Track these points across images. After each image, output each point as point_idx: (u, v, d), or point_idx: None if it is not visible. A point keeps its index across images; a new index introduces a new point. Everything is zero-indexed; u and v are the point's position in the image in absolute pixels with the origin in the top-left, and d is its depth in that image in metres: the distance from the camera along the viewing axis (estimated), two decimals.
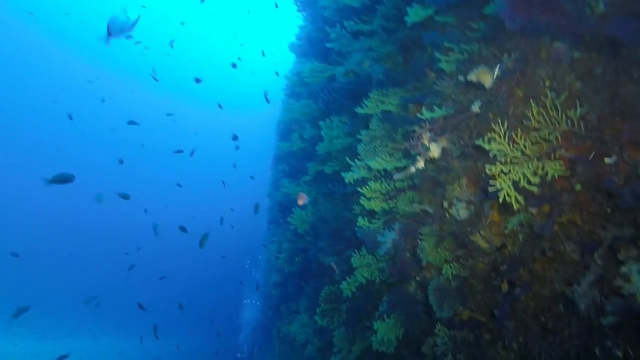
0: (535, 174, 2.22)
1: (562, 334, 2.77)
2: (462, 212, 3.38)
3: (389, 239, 3.55)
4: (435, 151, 2.91)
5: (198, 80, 11.70)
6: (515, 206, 2.25)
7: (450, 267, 3.38)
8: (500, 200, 2.26)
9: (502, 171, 2.27)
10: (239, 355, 14.37)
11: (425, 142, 2.92)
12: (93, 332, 18.88)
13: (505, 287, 2.97)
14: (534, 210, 2.62)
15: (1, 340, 14.54)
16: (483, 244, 3.11)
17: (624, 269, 2.26)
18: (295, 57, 9.33)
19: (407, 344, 4.49)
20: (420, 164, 2.90)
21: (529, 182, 2.21)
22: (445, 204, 3.46)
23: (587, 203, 2.34)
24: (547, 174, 2.23)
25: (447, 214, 3.51)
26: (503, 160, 2.29)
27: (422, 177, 3.76)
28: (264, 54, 12.91)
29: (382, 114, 4.02)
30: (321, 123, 5.23)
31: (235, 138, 12.12)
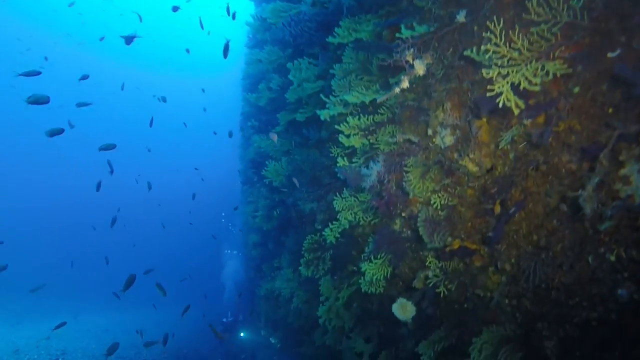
0: (534, 75, 1.99)
1: (554, 249, 2.68)
2: (446, 138, 3.17)
3: (374, 171, 3.31)
4: (419, 68, 2.61)
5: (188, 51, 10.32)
6: (515, 111, 2.02)
7: (438, 196, 3.20)
8: (500, 105, 2.03)
9: (499, 74, 2.02)
10: (224, 320, 14.33)
11: (409, 59, 2.61)
12: (73, 313, 18.30)
13: (497, 208, 2.82)
14: (527, 122, 2.42)
15: None
16: (472, 168, 2.92)
17: (622, 171, 2.12)
18: (254, 5, 8.61)
19: (394, 283, 4.41)
20: (405, 84, 2.61)
21: (530, 83, 1.97)
22: (430, 132, 3.23)
23: (586, 105, 2.14)
24: (547, 74, 2.00)
25: (431, 143, 3.30)
26: (499, 63, 2.03)
27: (402, 106, 3.49)
28: (230, 13, 11.38)
29: (355, 42, 3.66)
30: (289, 65, 4.80)
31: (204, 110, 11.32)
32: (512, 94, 1.99)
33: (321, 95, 3.83)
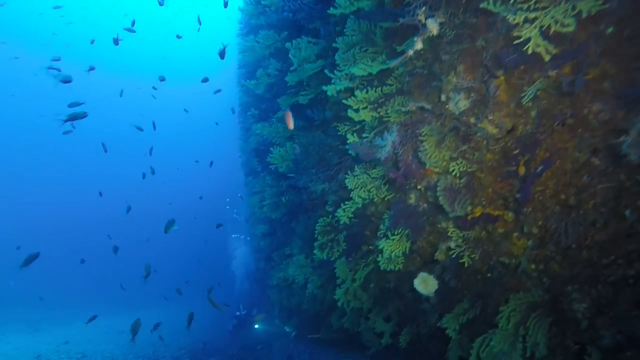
0: (565, 16, 1.82)
1: (586, 206, 2.54)
2: (461, 102, 3.00)
3: (389, 141, 3.15)
4: (433, 27, 2.44)
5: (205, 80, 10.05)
6: (546, 57, 1.86)
7: (456, 164, 3.05)
8: (529, 51, 1.86)
9: (526, 19, 1.85)
10: (237, 313, 14.28)
11: (421, 18, 2.44)
12: (85, 318, 18.30)
13: (522, 170, 2.67)
14: (553, 73, 2.25)
15: None
16: (492, 130, 2.76)
17: None
18: None
19: (412, 259, 4.28)
20: (419, 45, 2.43)
21: (562, 24, 1.81)
22: (443, 97, 3.06)
23: (622, 46, 1.98)
24: (579, 13, 1.83)
25: (445, 109, 3.13)
26: (525, 7, 1.86)
27: (411, 74, 3.32)
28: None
29: (357, 12, 3.46)
30: (287, 44, 4.60)
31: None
32: (541, 39, 1.83)
33: (325, 70, 3.65)
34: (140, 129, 10.46)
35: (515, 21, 1.86)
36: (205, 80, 8.01)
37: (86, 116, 5.47)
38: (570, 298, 3.06)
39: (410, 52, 2.45)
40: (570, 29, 1.81)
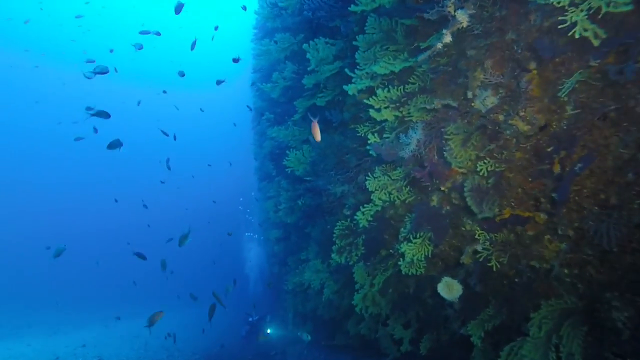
0: None
1: (630, 206, 2.35)
2: (488, 100, 2.85)
3: (414, 139, 3.01)
4: (463, 19, 2.31)
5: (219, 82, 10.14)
6: (595, 42, 1.71)
7: (484, 163, 2.89)
8: (577, 36, 1.72)
9: (572, 2, 1.71)
10: (250, 319, 14.14)
11: (450, 10, 2.31)
12: (103, 321, 18.41)
13: (557, 167, 2.50)
14: (594, 63, 2.09)
15: (13, 343, 13.96)
16: (523, 127, 2.60)
17: None
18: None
19: (434, 263, 4.11)
20: (448, 38, 2.30)
21: (616, 5, 1.65)
22: (469, 94, 2.91)
23: None
24: None
25: (470, 107, 2.98)
26: None
27: (435, 72, 3.18)
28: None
29: (378, 10, 3.35)
30: (305, 46, 4.51)
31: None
32: (589, 22, 1.68)
33: (346, 70, 3.53)
34: (166, 134, 10.55)
35: (561, 4, 1.72)
36: (237, 60, 7.80)
37: (109, 117, 5.60)
38: (610, 306, 2.85)
39: (439, 46, 2.33)
40: (627, 7, 1.65)
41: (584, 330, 3.00)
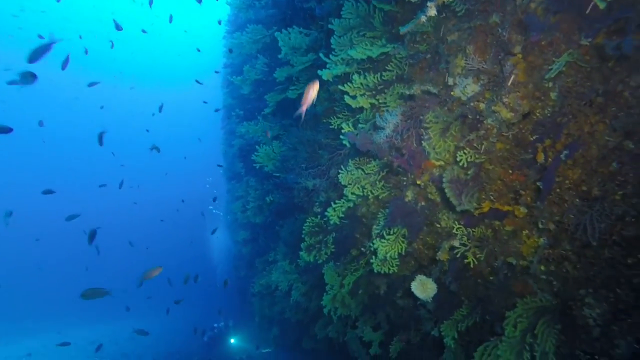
0: None
1: (613, 197, 2.21)
2: (469, 87, 2.67)
3: (390, 122, 2.76)
4: None
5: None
6: (601, 5, 1.53)
7: (464, 153, 2.69)
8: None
9: None
10: (215, 325, 13.48)
11: None
12: (55, 330, 16.98)
13: (540, 157, 2.33)
14: (586, 42, 1.93)
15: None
16: (506, 114, 2.42)
17: None
18: None
19: (406, 262, 3.88)
20: (432, 11, 2.08)
21: None
22: (450, 81, 2.71)
23: None
24: None
25: (450, 95, 2.79)
26: None
27: (413, 58, 2.97)
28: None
29: None
30: (277, 34, 4.21)
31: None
32: None
33: (320, 54, 3.26)
34: (158, 150, 9.54)
35: None
36: (232, 52, 7.16)
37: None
38: (582, 303, 2.72)
39: (423, 19, 2.11)
40: None
41: (557, 328, 2.84)
